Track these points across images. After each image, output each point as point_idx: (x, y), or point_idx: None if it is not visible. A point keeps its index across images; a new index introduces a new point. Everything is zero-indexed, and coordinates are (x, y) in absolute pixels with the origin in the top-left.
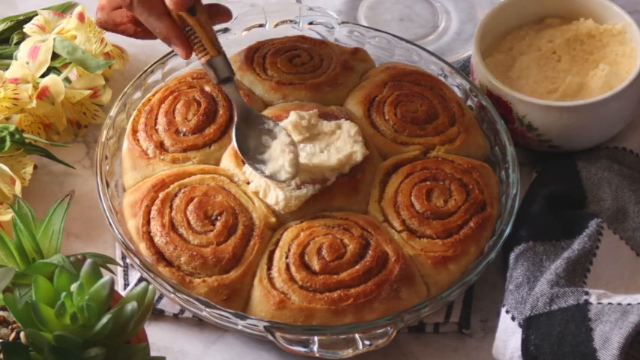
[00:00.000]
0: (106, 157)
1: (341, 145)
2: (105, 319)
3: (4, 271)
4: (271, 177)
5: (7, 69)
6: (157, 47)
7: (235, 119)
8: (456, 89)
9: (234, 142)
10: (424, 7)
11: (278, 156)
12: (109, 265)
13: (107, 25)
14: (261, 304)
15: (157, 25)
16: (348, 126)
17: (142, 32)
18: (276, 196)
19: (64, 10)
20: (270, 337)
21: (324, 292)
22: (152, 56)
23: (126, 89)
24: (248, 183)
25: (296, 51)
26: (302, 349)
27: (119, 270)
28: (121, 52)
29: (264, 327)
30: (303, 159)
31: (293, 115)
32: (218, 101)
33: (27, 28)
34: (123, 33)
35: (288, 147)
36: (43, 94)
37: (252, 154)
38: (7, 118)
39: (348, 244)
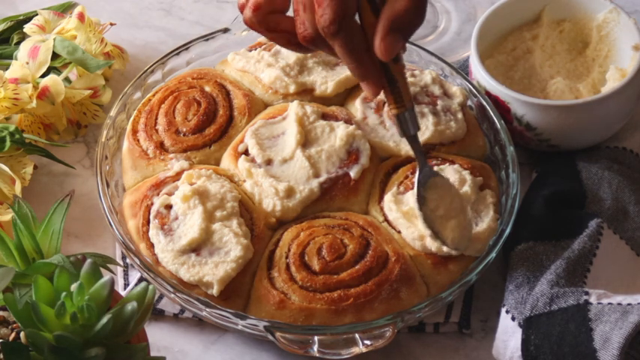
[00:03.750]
0: (106, 157)
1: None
2: (105, 319)
3: (4, 271)
4: (441, 240)
5: (7, 69)
6: (157, 47)
7: (417, 175)
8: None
9: (415, 201)
10: None
11: (449, 220)
12: (109, 265)
13: (258, 28)
14: (261, 304)
15: (354, 62)
16: (341, 132)
17: (295, 46)
18: (273, 204)
19: (64, 10)
20: (270, 337)
21: (324, 292)
22: (152, 56)
23: (126, 89)
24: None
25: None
26: (302, 349)
27: (119, 270)
28: (121, 52)
29: (264, 327)
30: (300, 161)
31: (297, 107)
32: (218, 101)
33: (27, 28)
34: (273, 40)
35: (455, 212)
36: (43, 94)
37: (429, 213)
38: (7, 118)
39: (348, 244)
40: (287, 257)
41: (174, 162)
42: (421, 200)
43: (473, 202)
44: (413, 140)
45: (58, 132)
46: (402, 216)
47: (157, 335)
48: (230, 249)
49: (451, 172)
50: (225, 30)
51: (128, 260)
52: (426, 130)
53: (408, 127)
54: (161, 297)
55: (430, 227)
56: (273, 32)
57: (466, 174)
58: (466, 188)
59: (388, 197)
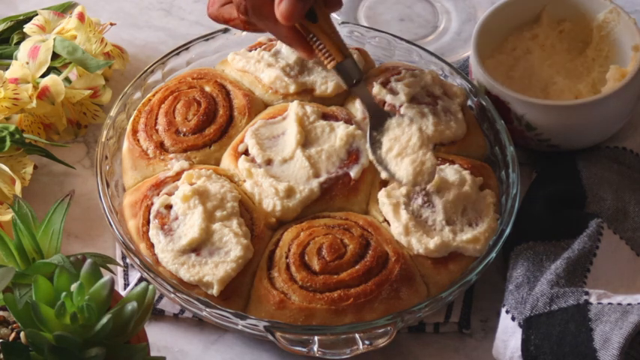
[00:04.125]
0: (106, 157)
1: (329, 149)
2: (105, 319)
3: (4, 271)
4: (397, 180)
5: (7, 69)
6: (157, 47)
7: (369, 122)
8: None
9: (368, 146)
10: (424, 7)
11: (403, 158)
12: (109, 265)
13: (217, 19)
14: (261, 304)
15: (274, 31)
16: (341, 132)
17: (252, 27)
18: (273, 204)
19: (64, 10)
20: (270, 337)
21: (324, 292)
22: (152, 56)
23: (126, 89)
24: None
25: None
26: (302, 349)
27: (119, 270)
28: (121, 52)
29: (264, 327)
30: (300, 161)
31: (297, 107)
32: (218, 101)
33: (27, 28)
34: (234, 27)
35: (412, 149)
36: (43, 94)
37: (383, 156)
38: (7, 118)
39: (348, 244)
40: (287, 257)
41: (174, 162)
42: (375, 144)
43: (473, 202)
44: (358, 88)
45: (58, 132)
46: (391, 210)
47: (157, 335)
48: (230, 249)
49: (451, 172)
50: (225, 30)
51: (128, 260)
52: (426, 130)
53: (348, 76)
54: (161, 297)
55: (384, 169)
56: (229, 21)
57: (466, 174)
58: (466, 188)
59: (381, 193)
